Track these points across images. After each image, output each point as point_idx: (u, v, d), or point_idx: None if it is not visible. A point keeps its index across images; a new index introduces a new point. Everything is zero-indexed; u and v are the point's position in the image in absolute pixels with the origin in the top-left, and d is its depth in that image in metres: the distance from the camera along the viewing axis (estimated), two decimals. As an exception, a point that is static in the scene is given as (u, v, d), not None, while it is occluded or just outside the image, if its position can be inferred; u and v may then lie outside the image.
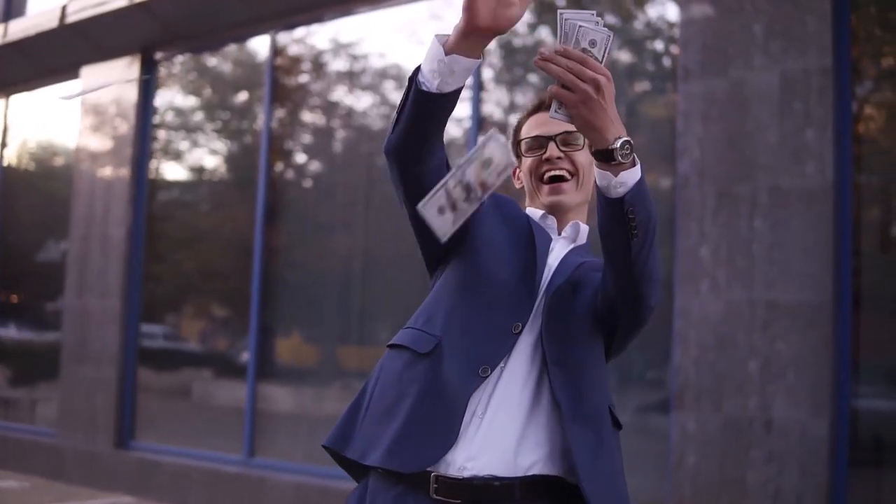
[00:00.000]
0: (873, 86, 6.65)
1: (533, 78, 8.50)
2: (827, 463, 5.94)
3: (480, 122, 8.17)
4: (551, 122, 2.60)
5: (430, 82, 2.35)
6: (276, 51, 9.66)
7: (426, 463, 2.48)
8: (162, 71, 10.75)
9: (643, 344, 7.40)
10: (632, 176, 2.36)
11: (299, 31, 9.68)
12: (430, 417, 2.49)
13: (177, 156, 11.15)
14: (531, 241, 2.68)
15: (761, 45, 6.41)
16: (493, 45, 8.14)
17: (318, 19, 9.42)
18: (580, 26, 2.24)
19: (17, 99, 12.62)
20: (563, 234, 2.80)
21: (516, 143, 2.90)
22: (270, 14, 9.44)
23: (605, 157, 2.32)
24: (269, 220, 9.51)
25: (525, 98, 8.45)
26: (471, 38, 2.31)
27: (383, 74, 9.42)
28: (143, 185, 10.50)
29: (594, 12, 2.25)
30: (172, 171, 11.22)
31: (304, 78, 9.97)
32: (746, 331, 6.25)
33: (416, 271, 8.23)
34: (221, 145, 11.10)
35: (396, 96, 9.26)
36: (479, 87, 8.17)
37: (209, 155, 11.18)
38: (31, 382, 12.37)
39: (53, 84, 11.82)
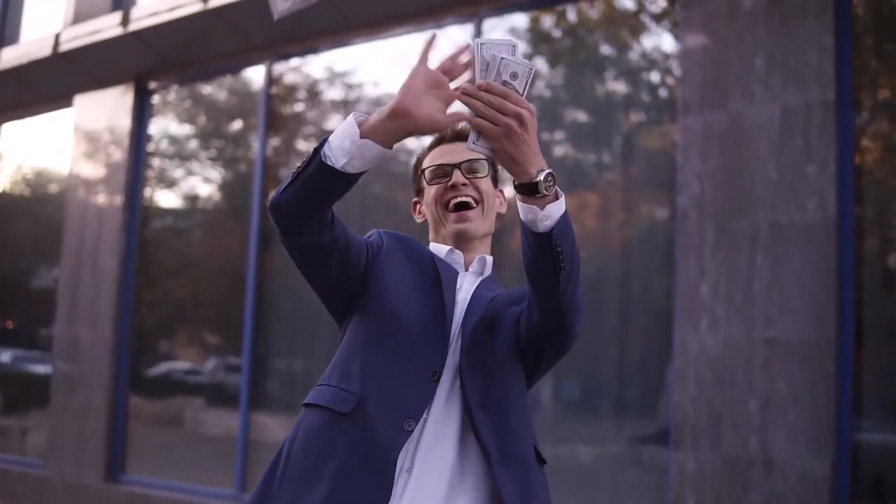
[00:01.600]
0: (875, 120, 6.59)
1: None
2: (828, 503, 5.85)
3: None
4: (455, 152, 2.66)
5: (337, 159, 2.31)
6: (271, 79, 9.61)
7: None
8: (156, 99, 10.68)
9: (639, 376, 7.35)
10: (557, 209, 2.34)
11: (294, 61, 9.64)
12: (360, 479, 2.44)
13: (170, 183, 11.10)
14: (438, 280, 2.65)
15: (761, 79, 6.35)
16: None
17: (313, 50, 9.38)
18: (501, 58, 2.20)
19: (9, 126, 12.55)
20: (471, 268, 2.78)
21: (419, 175, 2.88)
22: (264, 44, 9.41)
23: (530, 191, 2.31)
24: (263, 247, 9.45)
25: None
26: (393, 122, 2.27)
27: (377, 103, 9.36)
28: (136, 212, 10.44)
29: (511, 40, 2.22)
30: (166, 199, 11.16)
31: (298, 106, 9.93)
32: (746, 368, 6.18)
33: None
34: (215, 173, 11.05)
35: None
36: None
37: (203, 183, 11.12)
38: (22, 411, 12.27)
39: (46, 112, 11.77)
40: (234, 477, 9.15)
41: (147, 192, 10.66)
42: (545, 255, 2.37)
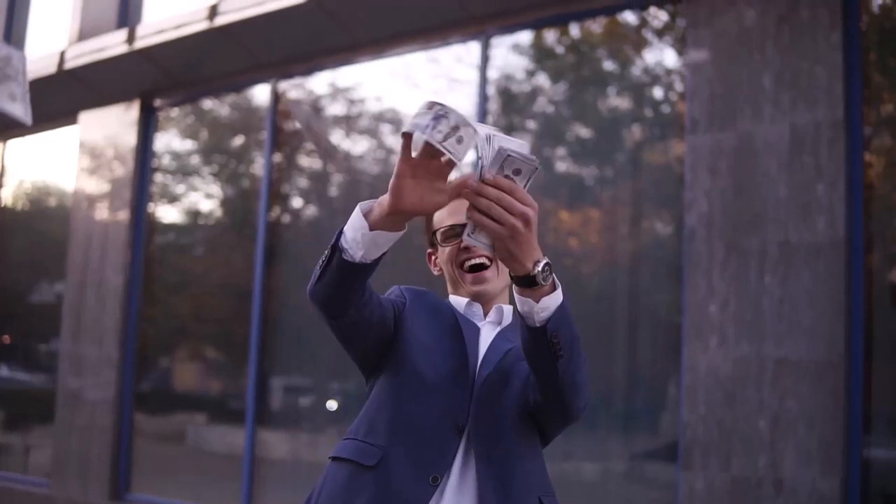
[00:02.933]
0: (884, 137, 6.59)
1: (531, 124, 8.47)
2: (838, 522, 5.85)
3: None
4: (462, 208, 2.46)
5: (355, 252, 2.31)
6: (277, 97, 9.62)
7: None
8: (161, 116, 10.69)
9: (646, 392, 7.34)
10: (553, 300, 2.31)
11: (300, 78, 9.65)
12: None
13: (175, 200, 11.11)
14: (459, 333, 2.68)
15: (770, 97, 6.36)
16: (490, 91, 8.11)
17: (319, 68, 9.39)
18: (508, 155, 2.12)
19: (14, 143, 12.58)
20: (488, 318, 2.80)
21: (431, 232, 2.89)
22: (270, 62, 9.42)
23: (526, 283, 2.27)
24: (269, 264, 9.46)
25: (523, 141, 8.39)
26: (394, 217, 2.24)
27: (380, 118, 9.39)
28: (140, 228, 10.44)
29: (523, 142, 2.15)
30: (171, 215, 11.18)
31: (307, 121, 9.94)
32: (755, 387, 6.17)
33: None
34: (220, 190, 11.06)
35: (393, 141, 9.22)
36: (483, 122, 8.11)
37: (208, 199, 11.13)
38: (25, 427, 12.26)
39: (51, 129, 11.78)
40: (240, 494, 9.14)
41: (152, 208, 10.67)
42: (542, 346, 2.35)
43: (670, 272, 7.02)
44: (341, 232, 2.34)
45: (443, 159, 2.12)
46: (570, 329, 2.38)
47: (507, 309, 2.83)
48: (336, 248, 2.33)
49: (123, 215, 10.40)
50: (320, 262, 2.40)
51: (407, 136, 2.10)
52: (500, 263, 2.77)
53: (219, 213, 10.97)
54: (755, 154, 6.37)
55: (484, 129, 2.15)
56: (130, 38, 9.81)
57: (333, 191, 9.88)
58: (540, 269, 2.24)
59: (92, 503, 10.07)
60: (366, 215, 2.29)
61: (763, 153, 6.34)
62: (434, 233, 2.87)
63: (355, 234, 2.30)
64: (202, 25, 9.16)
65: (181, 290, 11.05)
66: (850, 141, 6.14)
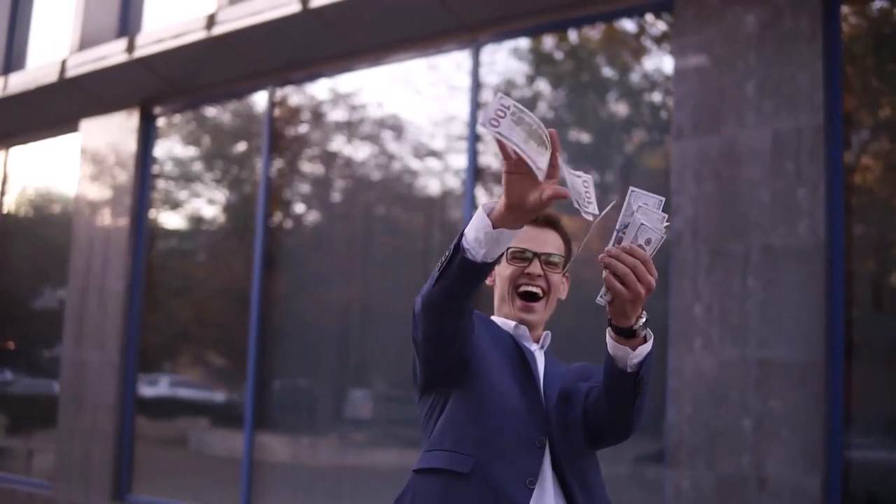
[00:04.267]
0: (864, 143, 6.71)
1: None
2: (821, 520, 5.97)
3: (477, 174, 8.22)
4: (540, 238, 2.85)
5: (476, 251, 2.43)
6: (274, 102, 9.74)
7: None
8: (161, 123, 10.81)
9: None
10: (645, 349, 2.54)
11: (296, 85, 9.75)
12: None
13: (175, 206, 11.21)
14: (523, 357, 2.86)
15: (754, 104, 6.48)
16: (490, 96, 8.21)
17: (316, 75, 9.51)
18: (642, 224, 2.38)
19: (16, 150, 12.70)
20: (539, 344, 2.99)
21: None
22: (268, 70, 9.54)
23: (626, 334, 2.51)
24: (267, 269, 9.56)
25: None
26: (511, 213, 2.37)
27: (381, 124, 9.48)
28: (141, 235, 10.56)
29: (660, 198, 2.40)
30: (171, 221, 11.27)
31: (302, 128, 10.04)
32: (740, 388, 6.29)
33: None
34: (220, 195, 11.15)
35: (394, 146, 9.33)
36: (475, 137, 8.22)
37: (207, 205, 11.23)
38: (28, 431, 12.36)
39: (53, 136, 11.92)
40: (239, 497, 9.24)
41: (153, 214, 10.79)
42: (628, 387, 2.60)
43: (660, 277, 7.11)
44: (461, 235, 2.47)
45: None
46: (651, 372, 2.62)
47: (549, 335, 3.04)
48: (458, 250, 2.46)
49: (124, 221, 10.52)
50: (439, 265, 2.53)
51: (500, 143, 2.26)
52: (550, 297, 2.98)
53: (219, 218, 11.06)
54: (739, 160, 6.49)
55: (633, 188, 2.41)
56: (130, 47, 9.93)
57: (334, 196, 9.97)
58: (641, 323, 2.50)
59: (93, 505, 10.21)
60: (488, 214, 2.42)
61: (746, 159, 6.46)
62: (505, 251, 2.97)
63: (477, 233, 2.42)
64: (200, 35, 9.27)
65: (182, 296, 11.14)
66: (831, 147, 6.27)
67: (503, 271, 2.99)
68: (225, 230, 10.90)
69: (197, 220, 11.28)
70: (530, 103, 8.53)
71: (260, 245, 9.51)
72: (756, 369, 6.24)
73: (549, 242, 2.97)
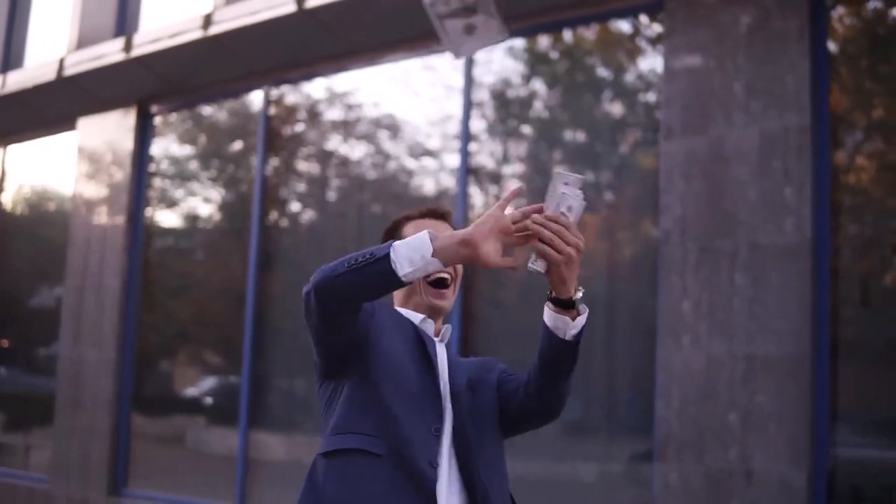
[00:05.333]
0: (851, 143, 6.81)
1: (526, 129, 8.64)
2: (806, 513, 6.06)
3: (469, 173, 8.30)
4: (439, 230, 2.90)
5: (403, 268, 2.59)
6: (270, 102, 9.81)
7: None
8: (157, 122, 10.89)
9: (629, 394, 7.52)
10: (582, 320, 2.76)
11: (292, 85, 9.83)
12: None
13: (172, 204, 11.27)
14: (423, 346, 2.96)
15: (742, 104, 6.57)
16: (485, 96, 8.31)
17: (313, 75, 9.60)
18: (563, 193, 2.58)
19: (13, 148, 12.77)
20: (440, 337, 3.09)
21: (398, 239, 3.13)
22: (263, 69, 9.62)
23: (567, 305, 2.72)
24: (263, 268, 9.63)
25: (517, 149, 8.58)
26: (461, 249, 2.59)
27: (377, 124, 9.54)
28: (138, 233, 10.64)
29: (580, 177, 2.60)
30: (167, 220, 11.34)
31: (297, 127, 10.11)
32: (727, 384, 6.38)
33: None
34: (216, 194, 11.22)
35: (390, 146, 9.40)
36: (468, 137, 8.30)
37: (203, 203, 11.29)
38: (24, 428, 12.42)
39: (50, 135, 11.99)
40: (234, 494, 9.31)
41: (149, 213, 10.87)
42: (568, 357, 2.82)
43: (651, 275, 7.21)
44: (390, 245, 2.62)
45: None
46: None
47: (449, 328, 3.15)
48: (385, 259, 2.60)
49: (121, 220, 10.59)
50: (353, 260, 2.65)
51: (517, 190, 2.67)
52: (456, 284, 3.12)
53: (216, 217, 11.12)
54: (727, 159, 6.58)
55: (557, 169, 2.65)
56: (128, 47, 10.01)
57: (329, 195, 10.04)
58: (580, 295, 2.72)
59: (91, 499, 10.28)
60: (432, 241, 2.61)
61: (734, 158, 6.55)
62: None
63: (413, 254, 2.60)
64: (197, 34, 9.35)
65: (180, 294, 11.20)
66: (818, 146, 6.36)
67: None
68: (221, 229, 10.96)
69: (193, 219, 11.34)
70: (525, 103, 8.62)
71: (255, 244, 9.58)
72: (743, 365, 6.34)
73: (448, 232, 3.04)
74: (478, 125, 8.49)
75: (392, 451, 2.73)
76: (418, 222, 3.14)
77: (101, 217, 10.82)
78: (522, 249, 2.74)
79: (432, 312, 3.08)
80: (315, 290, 2.70)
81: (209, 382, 10.85)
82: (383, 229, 3.21)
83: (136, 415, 10.56)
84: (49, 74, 10.83)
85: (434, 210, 3.20)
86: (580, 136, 8.35)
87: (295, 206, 10.36)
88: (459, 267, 3.10)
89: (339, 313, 2.72)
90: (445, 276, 3.06)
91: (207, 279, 11.00)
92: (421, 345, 2.96)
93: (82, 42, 10.98)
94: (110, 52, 10.23)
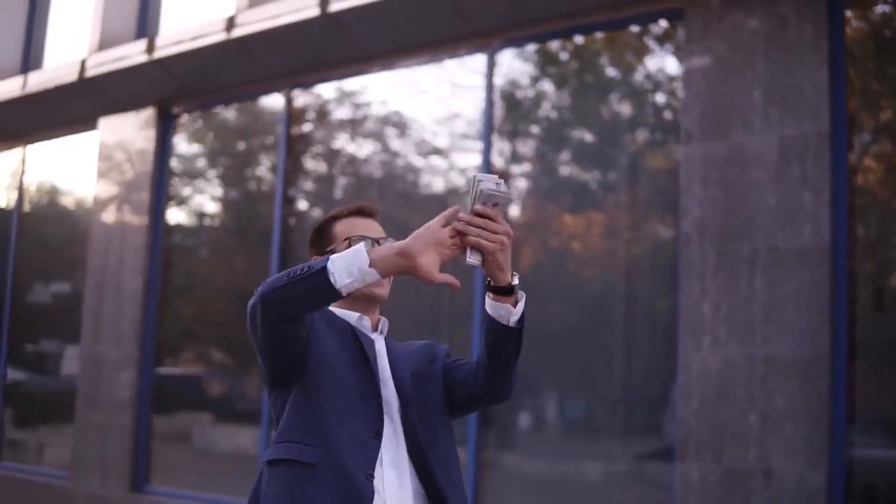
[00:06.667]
0: (868, 147, 6.91)
1: (534, 130, 8.73)
2: (823, 512, 6.17)
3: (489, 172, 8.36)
4: (371, 228, 3.15)
5: (341, 279, 2.68)
6: (291, 104, 9.89)
7: None
8: (178, 123, 10.98)
9: (643, 393, 7.63)
10: (521, 305, 2.89)
11: (313, 88, 9.91)
12: None
13: (192, 205, 11.37)
14: (360, 345, 3.05)
15: (760, 111, 6.67)
16: (496, 98, 8.39)
17: (333, 78, 9.68)
18: (489, 192, 2.72)
19: (34, 148, 12.87)
20: (378, 330, 3.20)
21: (333, 239, 3.26)
22: (284, 73, 9.71)
23: (506, 292, 2.86)
24: (285, 268, 9.66)
25: (526, 147, 8.67)
26: (398, 259, 2.70)
27: (390, 124, 9.63)
28: (158, 232, 10.73)
29: (497, 177, 2.75)
30: (188, 219, 11.42)
31: (317, 129, 10.19)
32: (745, 385, 6.48)
33: (417, 316, 8.44)
34: (235, 194, 11.30)
35: (409, 147, 9.48)
36: (489, 137, 8.37)
37: (223, 204, 11.38)
38: (41, 426, 12.50)
39: (70, 135, 12.11)
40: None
41: (169, 213, 10.96)
42: (513, 343, 2.94)
43: (668, 275, 7.31)
44: (327, 260, 2.71)
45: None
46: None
47: (386, 321, 3.26)
48: (323, 272, 2.69)
49: (141, 219, 10.70)
50: (293, 272, 2.75)
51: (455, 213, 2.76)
52: (391, 277, 3.18)
53: (237, 218, 11.16)
54: (745, 164, 6.69)
55: (476, 175, 2.77)
56: (150, 48, 10.12)
57: (348, 195, 10.09)
58: (517, 280, 2.85)
59: (111, 495, 10.39)
60: (368, 254, 2.71)
61: (753, 163, 6.66)
62: (346, 240, 3.20)
63: (350, 265, 2.69)
64: (219, 37, 9.45)
65: (197, 293, 11.30)
66: (835, 152, 6.46)
67: None
68: (241, 229, 11.02)
69: (211, 218, 11.43)
70: (535, 104, 8.71)
71: (277, 243, 9.65)
72: (761, 366, 6.44)
73: (378, 229, 3.23)
74: (499, 126, 8.56)
75: (325, 459, 2.80)
76: (347, 221, 3.26)
77: (121, 216, 10.91)
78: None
79: (369, 304, 3.18)
80: (261, 303, 2.79)
81: (231, 380, 10.91)
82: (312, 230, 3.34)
83: (155, 412, 10.65)
84: (70, 75, 10.94)
85: (362, 207, 3.28)
86: (593, 137, 8.43)
87: (313, 209, 10.41)
88: None
89: (284, 325, 2.81)
90: None
91: (222, 278, 11.05)
92: (359, 347, 3.04)
93: (103, 44, 11.07)
94: (132, 53, 10.34)
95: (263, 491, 2.90)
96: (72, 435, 11.15)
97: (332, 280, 2.67)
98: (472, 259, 2.77)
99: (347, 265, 2.68)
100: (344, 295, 2.70)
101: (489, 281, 2.86)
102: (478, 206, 2.74)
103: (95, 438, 10.67)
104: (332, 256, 2.71)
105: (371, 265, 2.68)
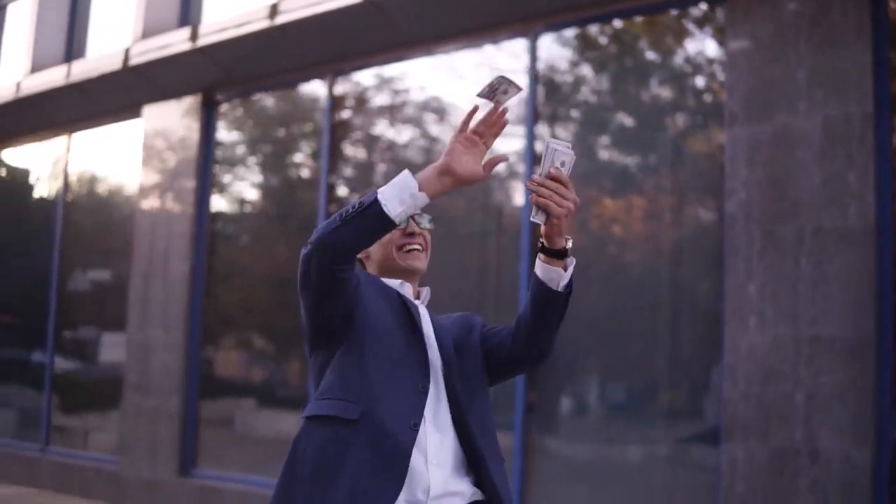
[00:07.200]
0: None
1: (574, 114, 8.76)
2: (869, 491, 6.20)
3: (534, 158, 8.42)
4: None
5: (395, 209, 2.79)
6: (333, 92, 9.96)
7: None
8: (222, 110, 11.08)
9: (688, 376, 7.67)
10: (571, 270, 3.00)
11: (355, 75, 9.97)
12: (375, 475, 2.83)
13: (233, 192, 11.47)
14: (407, 310, 3.12)
15: (804, 92, 6.69)
16: (536, 82, 8.41)
17: (372, 65, 9.76)
18: (556, 149, 2.87)
19: (79, 136, 12.99)
20: (421, 299, 3.29)
21: None
22: (326, 59, 9.78)
23: (559, 255, 2.97)
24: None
25: (566, 132, 8.70)
26: (442, 179, 2.82)
27: (432, 110, 9.68)
28: (203, 219, 10.84)
29: (568, 143, 2.88)
30: (229, 207, 11.49)
31: (357, 115, 10.25)
32: (792, 365, 6.52)
33: (458, 300, 8.47)
34: (276, 182, 11.36)
35: (437, 130, 9.53)
36: (533, 122, 8.42)
37: (264, 191, 11.45)
38: (88, 411, 12.63)
39: (114, 123, 12.22)
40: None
41: (213, 199, 11.06)
42: (560, 306, 3.04)
43: (710, 258, 7.34)
44: (376, 192, 2.80)
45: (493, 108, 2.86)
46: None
47: (428, 290, 3.36)
48: (375, 204, 2.79)
49: (185, 207, 10.82)
50: (342, 214, 2.83)
51: (473, 110, 2.85)
52: (428, 251, 3.31)
53: (276, 205, 11.23)
54: (790, 146, 6.71)
55: (549, 140, 2.91)
56: (194, 36, 10.21)
57: (385, 182, 10.13)
58: (570, 244, 2.96)
59: (160, 479, 10.53)
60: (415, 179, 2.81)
61: (798, 145, 6.68)
62: None
63: (400, 193, 2.80)
64: (263, 24, 9.52)
65: (238, 280, 11.40)
66: (879, 133, 6.48)
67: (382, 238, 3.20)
68: (280, 216, 11.08)
69: (253, 206, 11.51)
70: (575, 88, 8.75)
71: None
72: (807, 346, 6.47)
73: None
74: (539, 110, 8.59)
75: (369, 415, 2.86)
76: None
77: (166, 204, 11.03)
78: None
79: (408, 276, 3.26)
80: (315, 249, 2.87)
81: (277, 365, 10.99)
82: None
83: (203, 396, 10.77)
84: (115, 64, 11.04)
85: None
86: (633, 121, 8.44)
87: (354, 195, 10.45)
88: (428, 237, 3.31)
89: (340, 269, 2.86)
90: (417, 246, 3.25)
91: (262, 265, 11.11)
92: (406, 310, 3.11)
93: (147, 32, 11.16)
94: (176, 41, 10.44)
95: (303, 445, 2.95)
96: (117, 420, 11.30)
97: (385, 210, 2.78)
98: (537, 218, 2.88)
99: (399, 193, 2.79)
100: (398, 224, 2.82)
101: (543, 243, 2.96)
102: (553, 170, 2.87)
103: (144, 423, 10.80)
104: (381, 189, 2.81)
105: (420, 188, 2.79)
